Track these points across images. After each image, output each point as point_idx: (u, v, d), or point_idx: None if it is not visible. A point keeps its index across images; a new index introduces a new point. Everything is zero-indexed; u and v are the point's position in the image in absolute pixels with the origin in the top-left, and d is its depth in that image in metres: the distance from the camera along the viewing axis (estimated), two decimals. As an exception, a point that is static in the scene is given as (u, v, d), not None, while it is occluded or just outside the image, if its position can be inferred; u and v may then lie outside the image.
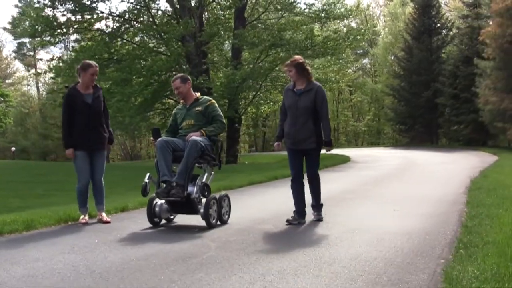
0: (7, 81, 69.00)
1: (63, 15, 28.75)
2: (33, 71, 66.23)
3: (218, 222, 7.56)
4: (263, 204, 10.58)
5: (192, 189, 7.34)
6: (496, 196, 9.91)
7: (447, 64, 44.73)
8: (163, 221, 7.81)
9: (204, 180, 7.47)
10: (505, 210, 8.10)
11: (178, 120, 7.91)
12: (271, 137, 65.74)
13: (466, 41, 42.37)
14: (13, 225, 7.31)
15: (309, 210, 7.94)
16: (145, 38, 30.63)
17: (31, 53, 71.72)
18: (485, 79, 34.32)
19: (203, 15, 30.78)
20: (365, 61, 70.58)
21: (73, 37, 33.54)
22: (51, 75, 33.79)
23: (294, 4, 30.05)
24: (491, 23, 35.09)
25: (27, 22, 32.37)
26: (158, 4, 41.24)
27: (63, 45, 51.11)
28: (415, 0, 50.59)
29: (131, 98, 27.98)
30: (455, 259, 5.36)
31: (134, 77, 28.62)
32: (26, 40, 65.02)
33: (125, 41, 30.19)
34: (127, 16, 29.77)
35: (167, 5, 30.41)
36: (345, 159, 25.58)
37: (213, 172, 7.76)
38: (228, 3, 30.34)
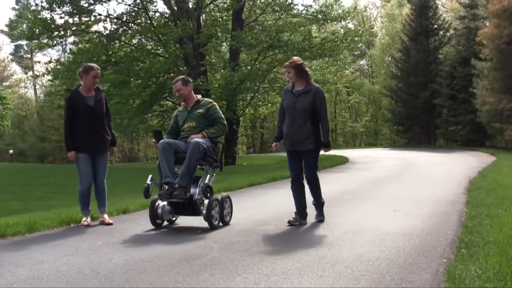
0: (4, 83, 69.14)
1: (61, 17, 28.74)
2: (30, 73, 66.20)
3: (220, 224, 7.60)
4: (264, 205, 10.62)
5: (194, 191, 7.38)
6: (495, 196, 9.95)
7: (444, 65, 44.90)
8: (165, 223, 7.84)
9: (206, 181, 7.50)
10: (504, 210, 8.14)
11: (179, 122, 7.94)
12: (269, 139, 65.74)
13: (463, 42, 42.55)
14: (16, 228, 7.33)
15: (310, 211, 7.96)
16: (143, 40, 30.61)
17: (28, 56, 71.73)
18: (483, 79, 34.46)
19: (201, 17, 30.78)
20: (363, 62, 70.80)
21: (71, 39, 33.49)
22: (49, 77, 33.75)
23: (292, 6, 30.06)
24: (487, 24, 35.23)
25: (25, 25, 32.30)
26: (155, 6, 41.23)
27: (61, 48, 51.32)
28: (412, 1, 50.80)
29: (129, 100, 27.96)
30: (457, 258, 5.40)
31: (132, 79, 28.59)
32: (23, 42, 65.14)
33: (123, 43, 30.18)
34: (124, 18, 29.76)
35: (165, 7, 30.44)
36: (343, 160, 25.64)
37: (215, 174, 7.79)
38: (225, 5, 30.35)
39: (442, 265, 5.29)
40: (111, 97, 26.21)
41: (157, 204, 7.58)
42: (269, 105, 33.24)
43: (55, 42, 30.88)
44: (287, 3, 29.80)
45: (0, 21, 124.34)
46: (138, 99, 28.57)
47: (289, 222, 7.76)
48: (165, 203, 7.56)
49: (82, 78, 7.93)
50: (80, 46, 31.36)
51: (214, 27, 29.05)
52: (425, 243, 6.38)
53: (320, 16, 30.61)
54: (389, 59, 57.96)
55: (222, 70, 30.26)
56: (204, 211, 7.37)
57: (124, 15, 29.67)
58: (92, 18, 29.05)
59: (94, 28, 30.46)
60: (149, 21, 29.68)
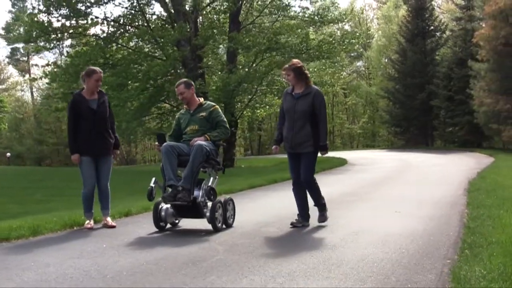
0: (1, 86, 69.03)
1: (58, 20, 28.73)
2: (27, 76, 66.23)
3: (224, 226, 7.63)
4: (265, 207, 10.65)
5: (198, 193, 7.41)
6: (496, 197, 10.01)
7: (441, 66, 44.95)
8: (168, 225, 7.86)
9: (210, 184, 7.53)
10: (506, 211, 8.19)
11: (182, 125, 7.96)
12: (266, 141, 65.80)
13: (459, 43, 42.62)
14: (19, 231, 7.35)
15: (312, 212, 7.98)
16: (140, 42, 30.60)
17: (25, 59, 71.66)
18: (480, 81, 34.53)
19: (198, 20, 30.79)
20: (359, 63, 70.81)
21: (68, 42, 33.47)
22: (47, 80, 33.77)
23: (289, 7, 30.11)
24: (484, 25, 35.29)
25: (22, 28, 32.32)
26: (152, 9, 41.15)
27: (57, 50, 51.25)
28: (408, 3, 50.85)
29: (127, 103, 27.95)
30: (460, 259, 5.45)
31: (130, 82, 28.60)
32: (20, 45, 65.10)
33: (120, 46, 30.17)
34: (122, 21, 29.77)
35: (162, 9, 30.44)
36: (342, 162, 25.67)
37: (217, 176, 7.82)
38: (223, 8, 30.37)
39: (447, 266, 5.34)
40: (109, 100, 26.16)
41: (160, 206, 7.61)
42: (267, 107, 33.23)
43: (52, 45, 30.84)
44: (284, 5, 29.83)
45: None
46: (136, 101, 28.57)
47: (291, 224, 7.79)
48: (168, 205, 7.59)
49: (85, 81, 7.97)
50: (77, 49, 31.34)
51: (211, 29, 29.06)
52: (428, 244, 6.43)
53: (317, 18, 30.64)
54: (386, 60, 57.93)
55: (220, 73, 30.29)
56: (207, 214, 7.40)
57: (121, 18, 29.68)
58: (89, 21, 29.04)
59: (92, 31, 30.49)
60: (146, 24, 29.69)
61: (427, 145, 47.13)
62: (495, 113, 32.01)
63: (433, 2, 51.63)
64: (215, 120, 7.84)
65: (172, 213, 7.71)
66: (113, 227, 7.94)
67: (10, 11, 69.61)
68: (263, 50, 27.76)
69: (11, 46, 69.49)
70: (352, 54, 63.02)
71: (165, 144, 7.57)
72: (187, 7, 29.29)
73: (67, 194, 15.38)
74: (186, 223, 8.09)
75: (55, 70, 29.70)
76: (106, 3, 28.62)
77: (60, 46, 32.96)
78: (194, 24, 28.97)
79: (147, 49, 30.43)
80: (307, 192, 7.95)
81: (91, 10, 28.66)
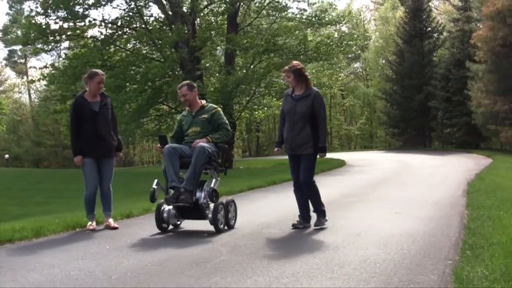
0: (-2, 88, 69.02)
1: (55, 22, 28.74)
2: (26, 78, 66.15)
3: (225, 227, 7.67)
4: (266, 208, 10.68)
5: (200, 195, 7.45)
6: (495, 198, 10.07)
7: (439, 68, 45.05)
8: (170, 227, 7.90)
9: (212, 185, 7.58)
10: (505, 212, 8.25)
11: (183, 127, 8.00)
12: (264, 142, 65.86)
13: (457, 44, 42.69)
14: (22, 232, 7.39)
15: (313, 214, 8.00)
16: (138, 44, 30.60)
17: (22, 61, 71.62)
18: (477, 82, 34.61)
19: (196, 22, 30.81)
20: (357, 65, 70.82)
21: (65, 44, 33.43)
22: (44, 82, 33.76)
23: (286, 8, 30.11)
24: (481, 26, 35.39)
25: (19, 31, 32.33)
26: (150, 11, 41.22)
27: (55, 53, 51.23)
28: (405, 4, 50.94)
29: (125, 105, 27.96)
30: (462, 260, 5.49)
31: (128, 84, 28.61)
32: (17, 47, 65.02)
33: (118, 48, 30.19)
34: (119, 23, 29.79)
35: (160, 11, 30.45)
36: (340, 163, 25.71)
37: (219, 178, 7.86)
38: (220, 9, 30.40)
39: (448, 267, 5.38)
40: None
41: (162, 208, 7.65)
42: (265, 108, 33.23)
43: (50, 47, 30.82)
44: (281, 6, 29.85)
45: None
46: (134, 103, 28.59)
47: (293, 225, 7.82)
48: (170, 207, 7.63)
49: (87, 83, 8.00)
50: (75, 51, 31.34)
51: (209, 30, 29.09)
52: (429, 245, 6.47)
53: (314, 20, 30.66)
54: (383, 62, 58.04)
55: (218, 74, 30.32)
56: (209, 215, 7.44)
57: (119, 20, 29.70)
58: (87, 23, 29.07)
59: (89, 33, 30.52)
60: (144, 26, 29.71)
61: (425, 146, 47.18)
62: (493, 114, 32.10)
63: (430, 3, 51.73)
64: (217, 122, 7.88)
65: (174, 214, 7.75)
66: (116, 228, 7.99)
67: (7, 14, 69.61)
68: (261, 52, 27.80)
69: (8, 48, 69.49)
70: (350, 56, 62.97)
71: (167, 146, 7.61)
72: (184, 9, 29.31)
73: (66, 196, 15.41)
74: (187, 225, 8.13)
75: (53, 72, 29.68)
76: (104, 5, 28.60)
77: (58, 48, 32.83)
78: (192, 26, 28.99)
79: (145, 51, 30.45)
80: (307, 196, 7.95)
81: (89, 12, 28.66)
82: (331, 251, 6.21)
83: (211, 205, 7.53)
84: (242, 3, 29.52)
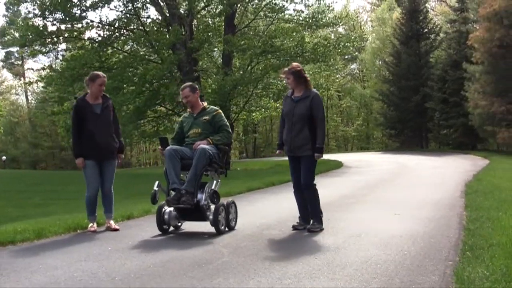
0: (-5, 90, 68.95)
1: (53, 24, 28.75)
2: (23, 80, 66.09)
3: (226, 229, 7.70)
4: (265, 210, 10.72)
5: (201, 196, 7.49)
6: (493, 199, 10.12)
7: (436, 69, 45.10)
8: (171, 228, 7.93)
9: (213, 187, 7.61)
10: (504, 213, 8.30)
11: (184, 128, 8.04)
12: (261, 143, 65.88)
13: (454, 45, 42.74)
14: (24, 234, 7.43)
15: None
16: (136, 46, 30.60)
17: (19, 62, 71.57)
18: (474, 83, 34.70)
19: (193, 23, 30.82)
20: (353, 66, 70.86)
21: (63, 46, 33.39)
22: (42, 84, 33.74)
23: (283, 10, 30.13)
24: (478, 27, 35.48)
25: (17, 33, 32.29)
26: (147, 12, 41.21)
27: (52, 54, 51.16)
28: (402, 5, 51.01)
29: (123, 106, 27.96)
30: (463, 261, 5.54)
31: (125, 85, 28.62)
32: (14, 49, 64.94)
33: (115, 49, 30.19)
34: (117, 24, 29.80)
35: (157, 13, 30.46)
36: (338, 165, 25.72)
37: (220, 180, 7.89)
38: (218, 11, 30.41)
39: (449, 268, 5.42)
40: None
41: (164, 209, 7.68)
42: (263, 110, 33.25)
43: (47, 48, 30.80)
44: (278, 7, 29.87)
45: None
46: (132, 105, 28.62)
47: (293, 226, 7.85)
48: (171, 208, 7.66)
49: (88, 86, 8.02)
50: (73, 52, 31.33)
51: (207, 32, 29.11)
52: (429, 246, 6.52)
53: (311, 22, 30.67)
54: (380, 63, 58.05)
55: (215, 76, 30.33)
56: (210, 217, 7.48)
57: (117, 22, 29.69)
58: (85, 25, 29.08)
59: (87, 34, 30.52)
60: (141, 27, 29.71)
61: (421, 147, 47.21)
62: (489, 115, 32.18)
63: (427, 5, 51.77)
64: (218, 124, 7.91)
65: (175, 216, 7.78)
66: (117, 230, 8.02)
67: (4, 15, 69.57)
68: (258, 53, 27.83)
69: (5, 50, 69.42)
70: (346, 57, 62.96)
71: (168, 148, 7.64)
72: (182, 11, 29.34)
73: (64, 197, 15.48)
74: (188, 226, 8.16)
75: (51, 74, 29.69)
76: (101, 7, 28.60)
77: (55, 50, 32.77)
78: (189, 27, 29.02)
79: (142, 53, 30.45)
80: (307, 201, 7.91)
81: (86, 14, 28.68)
82: (332, 252, 6.25)
83: (212, 207, 7.56)
84: (239, 5, 29.54)
